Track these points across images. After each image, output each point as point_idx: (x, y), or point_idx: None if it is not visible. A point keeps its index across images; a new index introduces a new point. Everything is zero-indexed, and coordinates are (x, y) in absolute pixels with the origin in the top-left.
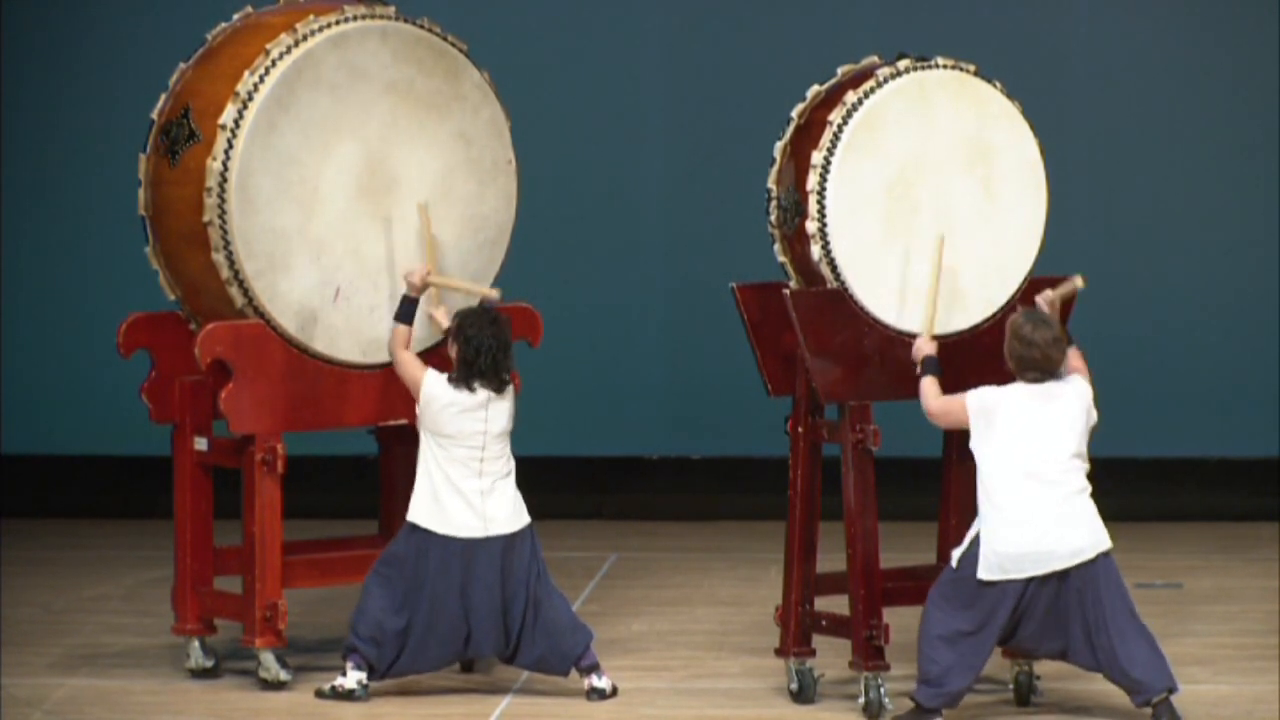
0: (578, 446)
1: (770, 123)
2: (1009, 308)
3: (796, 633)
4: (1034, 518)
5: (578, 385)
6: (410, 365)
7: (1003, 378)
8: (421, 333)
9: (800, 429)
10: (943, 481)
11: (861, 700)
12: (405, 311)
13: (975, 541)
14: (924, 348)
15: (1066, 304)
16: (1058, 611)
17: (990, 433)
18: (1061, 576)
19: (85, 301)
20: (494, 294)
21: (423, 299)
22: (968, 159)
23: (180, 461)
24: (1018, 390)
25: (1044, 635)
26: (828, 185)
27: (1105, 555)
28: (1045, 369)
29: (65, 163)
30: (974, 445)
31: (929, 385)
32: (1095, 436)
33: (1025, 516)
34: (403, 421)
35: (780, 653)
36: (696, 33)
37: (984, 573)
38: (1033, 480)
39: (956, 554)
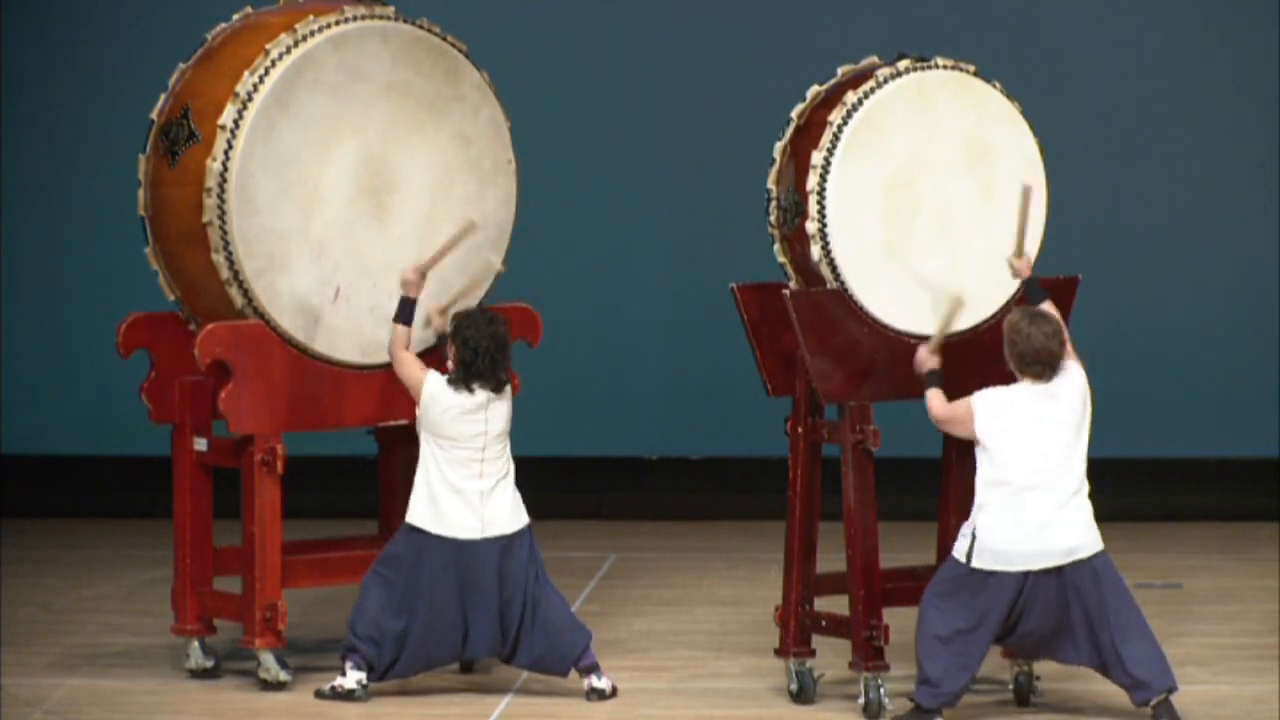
0: (578, 446)
1: (770, 123)
2: (1009, 308)
3: (796, 633)
4: (1031, 517)
5: (578, 385)
6: (411, 366)
7: (1003, 378)
8: (420, 334)
9: (800, 429)
10: (943, 481)
11: (861, 700)
12: (404, 312)
13: (974, 538)
14: (926, 361)
15: (1065, 302)
16: (1058, 608)
17: (995, 432)
18: (1059, 572)
19: (85, 301)
20: (474, 221)
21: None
22: (968, 159)
23: (180, 462)
24: (1022, 390)
25: (1044, 634)
26: (828, 185)
27: (1102, 554)
28: (1046, 363)
29: (65, 163)
30: (981, 442)
31: (935, 397)
32: (1095, 436)
33: (1023, 515)
34: (402, 422)
35: (780, 653)
36: (696, 33)
37: (977, 561)
38: (1035, 480)
39: (957, 550)
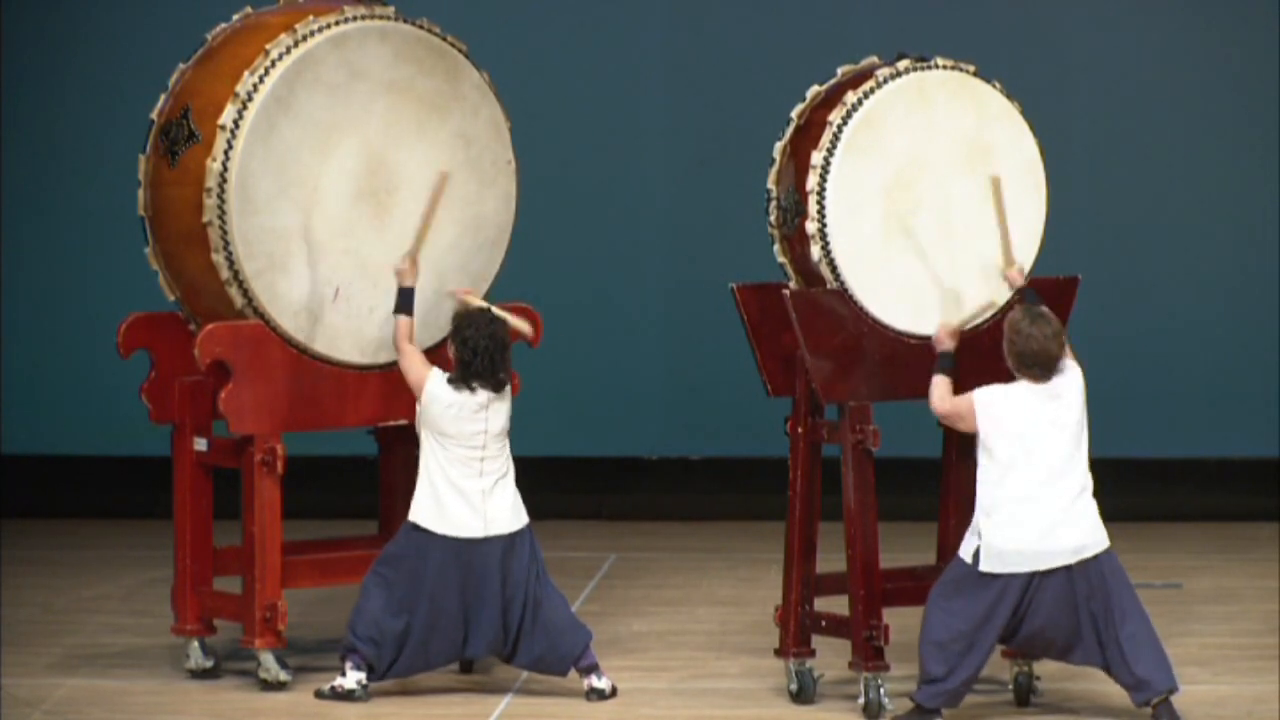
0: (578, 446)
1: (770, 123)
2: (1008, 308)
3: (796, 633)
4: (1038, 517)
5: (578, 385)
6: (415, 360)
7: (1002, 377)
8: (422, 333)
9: (800, 429)
10: (943, 481)
11: (861, 700)
12: (404, 302)
13: (980, 539)
14: (943, 340)
15: (1065, 302)
16: (1063, 608)
17: (999, 432)
18: (1066, 571)
19: (85, 301)
20: (444, 172)
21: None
22: (968, 159)
23: (180, 462)
24: (1022, 389)
25: (1049, 633)
26: (827, 185)
27: (1109, 552)
28: (1046, 364)
29: (65, 163)
30: (982, 441)
31: (941, 385)
32: (1095, 437)
33: (1030, 515)
34: (402, 422)
35: (780, 653)
36: (696, 33)
37: (985, 565)
38: (1039, 479)
39: (964, 551)
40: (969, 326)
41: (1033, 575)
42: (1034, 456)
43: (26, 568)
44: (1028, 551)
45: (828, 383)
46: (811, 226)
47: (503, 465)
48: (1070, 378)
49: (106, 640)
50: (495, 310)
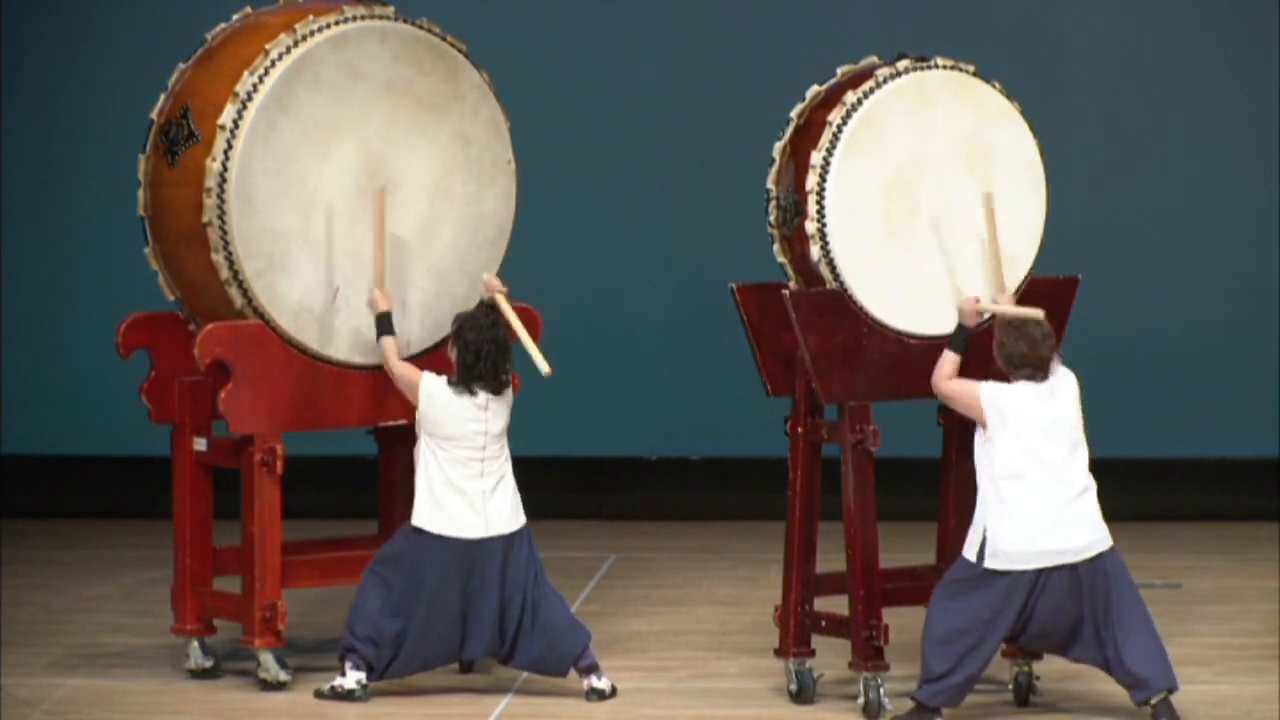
0: (578, 446)
1: (770, 123)
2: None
3: (796, 633)
4: (1042, 515)
5: (578, 385)
6: (406, 372)
7: (1002, 377)
8: (422, 333)
9: (800, 429)
10: (943, 481)
11: (861, 700)
12: (384, 327)
13: (985, 538)
14: (969, 315)
15: (1065, 302)
16: (1066, 605)
17: (1004, 430)
18: (1071, 569)
19: (85, 301)
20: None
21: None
22: (967, 159)
23: (180, 462)
24: (1023, 389)
25: (1051, 630)
26: (827, 185)
27: (1113, 550)
28: (1038, 365)
29: (65, 163)
30: (987, 439)
31: (949, 363)
32: (1096, 437)
33: (1033, 514)
34: (402, 422)
35: (780, 653)
36: (696, 32)
37: (990, 562)
38: (1042, 479)
39: (968, 550)
40: (947, 331)
41: (1039, 573)
42: (1035, 455)
43: (26, 568)
44: (1032, 550)
45: (828, 383)
46: (811, 226)
47: (502, 465)
48: (1065, 378)
49: (106, 640)
50: (501, 300)
